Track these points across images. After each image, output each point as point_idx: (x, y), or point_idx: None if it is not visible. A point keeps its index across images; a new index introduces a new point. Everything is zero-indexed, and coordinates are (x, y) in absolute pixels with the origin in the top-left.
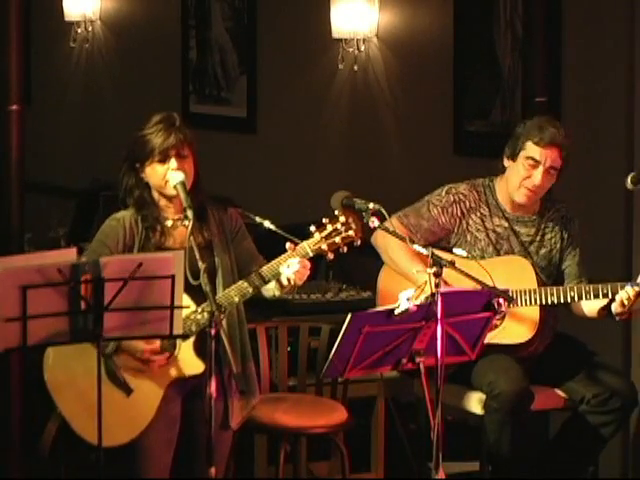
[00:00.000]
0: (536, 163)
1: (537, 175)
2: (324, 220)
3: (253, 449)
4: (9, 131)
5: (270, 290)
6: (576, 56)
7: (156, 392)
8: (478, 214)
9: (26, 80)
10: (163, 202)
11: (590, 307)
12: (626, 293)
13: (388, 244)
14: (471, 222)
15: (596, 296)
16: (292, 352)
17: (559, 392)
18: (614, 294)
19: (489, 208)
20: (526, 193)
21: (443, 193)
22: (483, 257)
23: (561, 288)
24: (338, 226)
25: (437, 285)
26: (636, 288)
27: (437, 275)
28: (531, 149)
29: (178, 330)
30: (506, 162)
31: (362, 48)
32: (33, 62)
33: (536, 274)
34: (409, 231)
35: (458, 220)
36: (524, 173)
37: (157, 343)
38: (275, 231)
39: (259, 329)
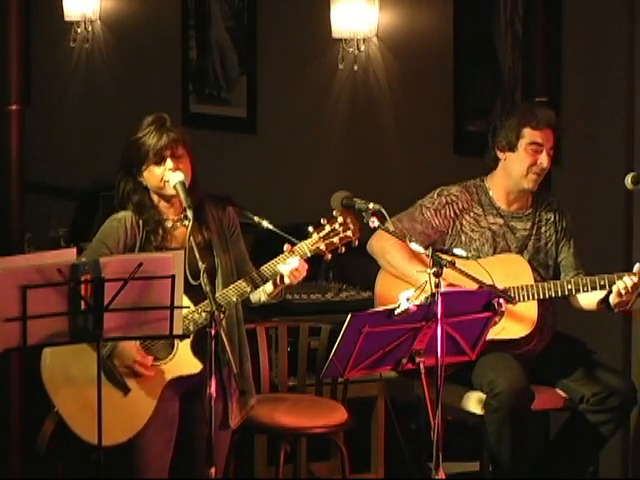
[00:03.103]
0: (539, 147)
1: (544, 158)
2: (322, 220)
3: (253, 449)
4: (9, 131)
5: (257, 294)
6: (576, 56)
7: (153, 391)
8: (472, 214)
9: (26, 80)
10: (163, 204)
11: (588, 300)
12: (623, 283)
13: (385, 248)
14: (465, 222)
15: (593, 288)
16: (292, 352)
17: (559, 392)
18: (611, 285)
19: (482, 207)
20: (534, 178)
21: (435, 195)
22: (479, 256)
23: (558, 282)
24: (336, 226)
25: (437, 285)
26: (634, 278)
27: (437, 275)
28: (531, 134)
29: (178, 330)
30: (502, 155)
31: (362, 48)
32: (33, 62)
33: (533, 270)
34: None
35: (451, 221)
36: (529, 160)
37: (150, 360)
38: (274, 231)
39: (259, 329)
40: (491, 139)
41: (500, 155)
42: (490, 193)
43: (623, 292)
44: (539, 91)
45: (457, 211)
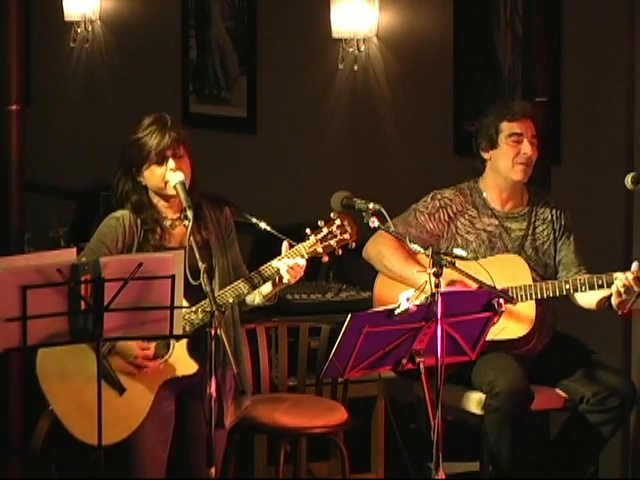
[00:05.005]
0: (519, 137)
1: (526, 147)
2: (320, 223)
3: (253, 449)
4: (9, 131)
5: (251, 296)
6: (576, 56)
7: (149, 391)
8: (466, 216)
9: (26, 80)
10: (162, 203)
11: (587, 299)
12: (621, 281)
13: (381, 253)
14: (460, 225)
15: (592, 287)
16: (292, 352)
17: (559, 392)
18: (609, 285)
19: (477, 209)
20: (522, 169)
21: (429, 199)
22: (477, 258)
23: (556, 282)
24: (333, 229)
25: (437, 285)
26: (629, 275)
27: (437, 275)
28: (508, 126)
29: (178, 330)
30: (486, 155)
31: (362, 48)
32: (33, 62)
33: (531, 269)
34: (397, 240)
35: (446, 225)
36: (512, 151)
37: (151, 349)
38: (271, 232)
39: (259, 329)
40: (475, 143)
41: (485, 156)
42: (484, 195)
43: (622, 290)
44: (539, 91)
45: (451, 214)
